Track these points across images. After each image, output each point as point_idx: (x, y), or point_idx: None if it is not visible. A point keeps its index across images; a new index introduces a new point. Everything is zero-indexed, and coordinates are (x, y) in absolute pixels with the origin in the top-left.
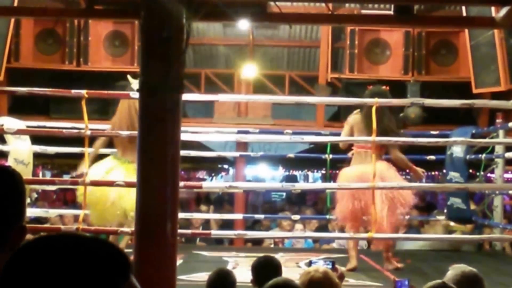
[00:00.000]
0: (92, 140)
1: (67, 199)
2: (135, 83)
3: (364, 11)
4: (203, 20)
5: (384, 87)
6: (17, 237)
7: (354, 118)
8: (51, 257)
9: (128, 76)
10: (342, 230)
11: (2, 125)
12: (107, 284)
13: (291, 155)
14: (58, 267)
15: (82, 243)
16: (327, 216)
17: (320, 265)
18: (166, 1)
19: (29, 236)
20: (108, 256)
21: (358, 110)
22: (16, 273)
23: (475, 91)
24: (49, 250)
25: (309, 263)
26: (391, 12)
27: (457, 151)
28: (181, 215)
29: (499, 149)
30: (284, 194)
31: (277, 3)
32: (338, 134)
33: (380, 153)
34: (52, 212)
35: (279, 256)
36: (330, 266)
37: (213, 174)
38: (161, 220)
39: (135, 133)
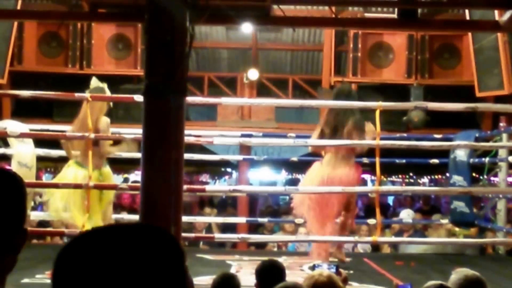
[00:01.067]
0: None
1: None
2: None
3: (367, 15)
4: (207, 24)
5: (351, 85)
6: (18, 241)
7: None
8: (111, 247)
9: (94, 78)
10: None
11: (6, 128)
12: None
13: (294, 158)
14: (120, 258)
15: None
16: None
17: (324, 268)
18: (169, 4)
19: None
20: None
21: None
22: (73, 264)
23: (478, 94)
24: (108, 241)
25: (313, 267)
26: (395, 16)
27: (461, 154)
28: (184, 218)
29: (502, 153)
30: (287, 197)
31: (281, 6)
32: None
33: (349, 155)
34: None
35: (282, 260)
36: (334, 270)
37: (216, 178)
38: (164, 224)
39: (140, 137)
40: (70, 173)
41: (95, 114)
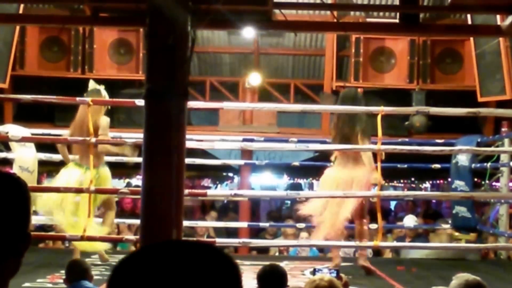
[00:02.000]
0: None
1: None
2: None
3: (369, 20)
4: (208, 28)
5: (358, 90)
6: (22, 245)
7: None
8: (166, 265)
9: (91, 81)
10: (347, 238)
11: (7, 132)
12: None
13: (296, 163)
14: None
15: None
16: None
17: (325, 273)
18: (171, 8)
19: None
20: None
21: None
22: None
23: (480, 99)
24: (163, 258)
25: (314, 272)
26: (397, 21)
27: (462, 159)
28: (186, 223)
29: (504, 158)
30: (289, 202)
31: (282, 11)
32: None
33: (357, 157)
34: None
35: (284, 264)
36: (334, 275)
37: (217, 182)
38: (165, 228)
39: (141, 141)
40: (67, 172)
41: (94, 116)
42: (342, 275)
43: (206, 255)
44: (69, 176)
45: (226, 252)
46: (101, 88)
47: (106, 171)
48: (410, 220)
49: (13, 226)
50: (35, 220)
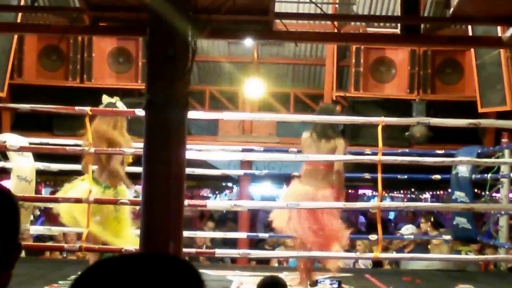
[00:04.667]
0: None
1: None
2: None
3: (369, 29)
4: (209, 38)
5: (336, 106)
6: (12, 256)
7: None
8: (125, 277)
9: (104, 95)
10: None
11: (5, 142)
12: None
13: (296, 173)
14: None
15: (155, 263)
16: None
17: (327, 285)
18: (171, 18)
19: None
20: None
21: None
22: None
23: (480, 110)
24: (122, 271)
25: (316, 283)
26: (398, 31)
27: (463, 170)
28: (185, 233)
29: (504, 169)
30: None
31: (283, 20)
32: None
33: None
34: (55, 230)
35: (283, 275)
36: (336, 286)
37: (217, 192)
38: (165, 239)
39: (141, 151)
40: (83, 187)
41: (114, 130)
42: (344, 286)
43: (170, 267)
44: (86, 192)
45: (191, 264)
46: (116, 100)
47: (123, 188)
48: (408, 230)
49: (2, 238)
50: (32, 230)
